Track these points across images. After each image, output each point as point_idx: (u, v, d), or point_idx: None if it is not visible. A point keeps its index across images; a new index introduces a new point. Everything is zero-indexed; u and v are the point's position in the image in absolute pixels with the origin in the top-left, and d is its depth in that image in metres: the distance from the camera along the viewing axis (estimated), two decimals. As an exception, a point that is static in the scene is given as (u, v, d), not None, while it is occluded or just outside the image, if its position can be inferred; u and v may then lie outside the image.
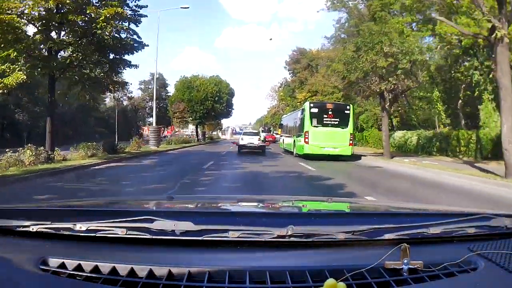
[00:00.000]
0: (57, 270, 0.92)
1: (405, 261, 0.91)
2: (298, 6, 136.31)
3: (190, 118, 42.64)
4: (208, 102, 41.17)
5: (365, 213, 1.62)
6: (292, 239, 1.02)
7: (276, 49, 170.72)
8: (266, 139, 37.56)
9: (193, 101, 41.09)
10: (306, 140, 16.61)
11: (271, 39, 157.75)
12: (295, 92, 46.66)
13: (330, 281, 0.80)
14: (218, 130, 78.94)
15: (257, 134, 24.42)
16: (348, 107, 17.31)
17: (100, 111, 49.57)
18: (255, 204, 1.98)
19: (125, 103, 57.90)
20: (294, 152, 18.81)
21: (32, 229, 1.06)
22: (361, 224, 1.08)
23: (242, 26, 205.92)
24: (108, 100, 57.81)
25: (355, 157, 17.48)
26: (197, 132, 47.92)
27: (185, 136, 42.53)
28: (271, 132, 48.87)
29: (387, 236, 1.05)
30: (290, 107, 44.06)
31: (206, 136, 54.02)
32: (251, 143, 20.84)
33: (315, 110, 16.95)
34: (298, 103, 39.37)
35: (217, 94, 42.25)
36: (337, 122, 16.71)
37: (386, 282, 0.89)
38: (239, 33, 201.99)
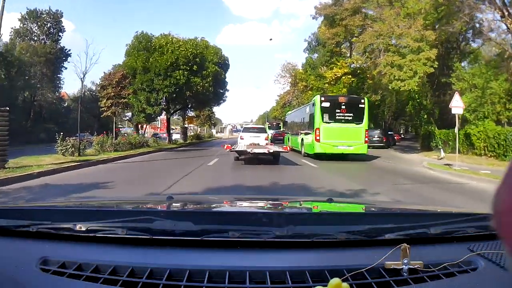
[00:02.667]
0: (57, 270, 0.92)
1: (405, 261, 0.91)
2: (299, 2, 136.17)
3: (151, 101, 24.23)
4: (179, 72, 23.22)
5: (365, 213, 1.62)
6: (292, 239, 1.02)
7: (277, 47, 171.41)
8: (276, 138, 28.04)
9: (152, 71, 23.36)
10: (317, 138, 14.93)
11: (271, 39, 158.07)
12: (332, 58, 28.75)
13: (335, 280, 0.80)
14: (213, 127, 60.97)
15: (263, 131, 17.20)
16: (362, 101, 15.79)
17: (52, 102, 37.39)
18: (255, 204, 1.98)
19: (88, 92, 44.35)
20: (302, 152, 17.10)
21: (32, 229, 1.06)
22: (361, 224, 1.08)
23: (243, 23, 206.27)
24: (72, 91, 42.21)
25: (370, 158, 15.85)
26: (168, 127, 30.57)
27: (122, 135, 21.91)
28: (281, 129, 33.36)
29: (387, 236, 1.05)
30: (314, 92, 29.04)
31: (190, 134, 39.44)
32: (255, 146, 13.23)
33: (326, 104, 15.24)
34: (326, 84, 27.67)
35: (196, 61, 24.37)
36: (351, 118, 15.11)
37: (386, 282, 0.89)
38: (240, 30, 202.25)
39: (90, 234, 1.04)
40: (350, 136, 14.88)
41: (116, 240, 1.03)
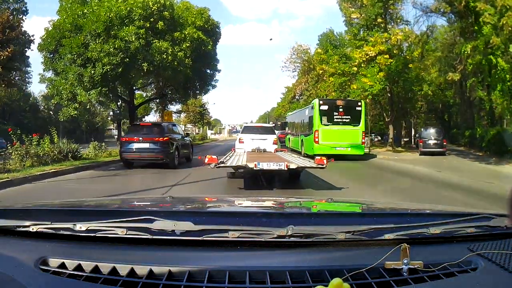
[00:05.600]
0: (57, 270, 0.92)
1: (405, 261, 0.91)
2: (298, 2, 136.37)
3: (84, 80, 13.84)
4: (129, 29, 14.31)
5: (365, 213, 1.62)
6: (292, 239, 1.02)
7: (277, 47, 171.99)
8: (282, 141, 21.95)
9: (85, 30, 14.04)
10: (316, 139, 15.59)
11: (271, 39, 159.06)
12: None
13: (336, 280, 0.80)
14: (207, 127, 49.89)
15: (270, 131, 13.53)
16: (359, 104, 16.46)
17: (15, 98, 30.52)
18: (255, 204, 1.98)
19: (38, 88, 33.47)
20: (302, 152, 17.22)
21: (32, 229, 1.06)
22: (361, 224, 1.08)
23: (243, 23, 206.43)
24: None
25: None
26: (119, 127, 21.17)
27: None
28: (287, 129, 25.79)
29: (387, 236, 1.05)
30: (336, 78, 23.65)
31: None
32: (262, 155, 9.16)
33: (324, 107, 16.01)
34: (354, 68, 21.51)
35: (163, 15, 15.97)
36: (348, 120, 15.89)
37: (386, 282, 0.89)
38: (239, 30, 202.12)
39: (90, 234, 1.04)
40: (347, 138, 15.49)
41: (116, 240, 1.03)
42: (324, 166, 6.96)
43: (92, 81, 13.77)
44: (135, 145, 11.39)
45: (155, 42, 15.18)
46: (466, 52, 14.99)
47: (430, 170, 12.39)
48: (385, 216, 1.43)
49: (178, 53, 16.15)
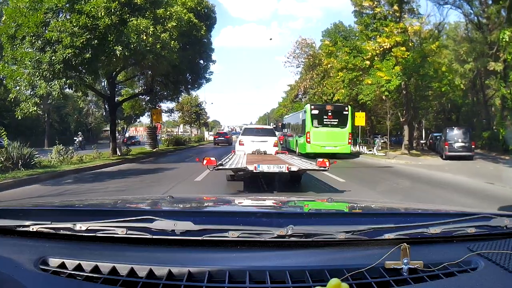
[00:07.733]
0: (57, 270, 0.92)
1: (405, 261, 0.91)
2: (298, 3, 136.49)
3: (43, 68, 10.48)
4: (96, 2, 10.66)
5: (365, 213, 1.62)
6: (292, 239, 1.02)
7: (277, 48, 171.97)
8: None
9: (45, 5, 10.57)
10: (308, 140, 17.57)
11: (271, 39, 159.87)
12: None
13: (334, 280, 0.80)
14: (205, 128, 45.78)
15: (271, 133, 13.07)
16: (346, 108, 18.39)
17: None
18: (255, 204, 1.98)
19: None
20: (297, 151, 19.16)
21: (32, 229, 1.06)
22: (361, 224, 1.08)
23: (242, 24, 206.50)
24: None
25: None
26: (111, 124, 17.33)
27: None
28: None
29: (387, 236, 1.05)
30: (345, 74, 22.36)
31: (167, 138, 28.08)
32: (262, 157, 9.20)
33: (315, 111, 17.93)
34: (366, 61, 19.94)
35: None
36: (336, 123, 17.75)
37: (386, 282, 0.89)
38: (239, 31, 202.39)
39: (90, 234, 1.04)
40: (336, 138, 17.52)
41: (116, 240, 1.03)
42: (327, 168, 6.85)
43: (52, 69, 10.79)
44: (218, 138, 34.42)
45: (132, 20, 11.71)
46: (504, 40, 13.50)
47: (477, 181, 9.93)
48: (385, 216, 1.43)
49: (162, 34, 12.82)
